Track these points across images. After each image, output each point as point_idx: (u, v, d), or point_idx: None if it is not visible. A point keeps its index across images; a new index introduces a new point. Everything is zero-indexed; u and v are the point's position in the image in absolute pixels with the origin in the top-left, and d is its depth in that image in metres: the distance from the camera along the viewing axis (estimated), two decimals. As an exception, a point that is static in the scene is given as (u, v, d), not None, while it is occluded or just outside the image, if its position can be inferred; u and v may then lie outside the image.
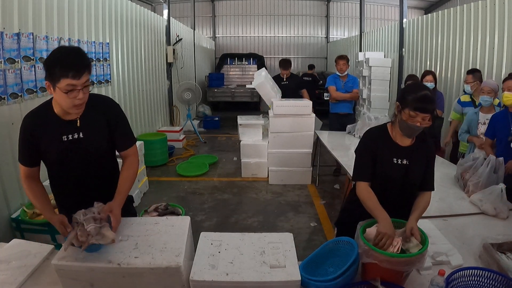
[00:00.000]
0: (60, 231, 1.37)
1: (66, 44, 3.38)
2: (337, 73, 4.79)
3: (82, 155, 1.53)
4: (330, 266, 1.45)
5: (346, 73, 4.77)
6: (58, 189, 1.66)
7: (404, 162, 1.61)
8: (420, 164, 1.63)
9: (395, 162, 1.61)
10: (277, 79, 5.29)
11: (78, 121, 1.49)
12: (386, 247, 1.33)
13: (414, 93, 1.51)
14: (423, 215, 2.06)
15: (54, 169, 1.59)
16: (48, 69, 1.36)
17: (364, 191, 1.59)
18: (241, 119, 4.86)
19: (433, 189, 1.67)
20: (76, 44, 3.56)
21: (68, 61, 1.34)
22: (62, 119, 1.48)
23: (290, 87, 5.12)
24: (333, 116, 4.90)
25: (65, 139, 1.49)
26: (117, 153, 1.67)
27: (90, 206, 1.41)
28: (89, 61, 1.42)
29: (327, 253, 1.49)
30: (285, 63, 5.20)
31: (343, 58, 4.71)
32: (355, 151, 1.73)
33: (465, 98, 3.50)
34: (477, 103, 3.37)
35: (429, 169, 1.66)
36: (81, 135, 1.51)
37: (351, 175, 1.95)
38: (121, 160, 1.66)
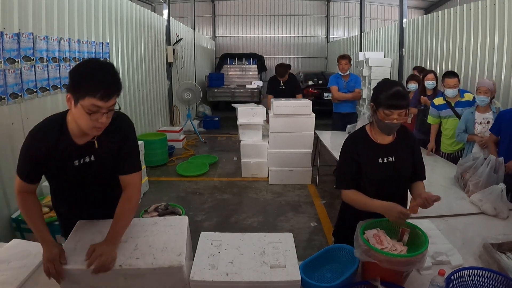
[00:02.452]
0: (45, 264, 1.23)
1: (66, 44, 3.38)
2: (339, 72, 4.80)
3: (92, 178, 1.43)
4: (328, 271, 1.45)
5: (348, 72, 4.78)
6: (59, 201, 1.60)
7: (390, 159, 1.60)
8: (407, 158, 1.63)
9: (381, 161, 1.60)
10: (274, 81, 5.30)
11: (96, 142, 1.37)
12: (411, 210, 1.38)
13: (386, 91, 1.49)
14: (423, 215, 2.08)
15: (58, 186, 1.51)
16: (74, 81, 1.20)
17: (350, 194, 1.60)
18: (239, 106, 4.85)
19: (424, 178, 1.68)
20: (76, 44, 3.56)
21: (100, 79, 1.18)
22: (76, 143, 1.35)
23: (286, 91, 5.14)
24: (336, 116, 4.92)
25: (77, 164, 1.38)
26: None
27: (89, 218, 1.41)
28: (121, 82, 1.27)
29: (327, 257, 1.49)
30: (280, 71, 5.19)
31: (345, 57, 4.73)
32: (338, 159, 1.74)
33: (439, 101, 3.42)
34: (453, 104, 3.35)
35: (417, 159, 1.66)
36: (92, 158, 1.39)
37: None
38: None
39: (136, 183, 1.44)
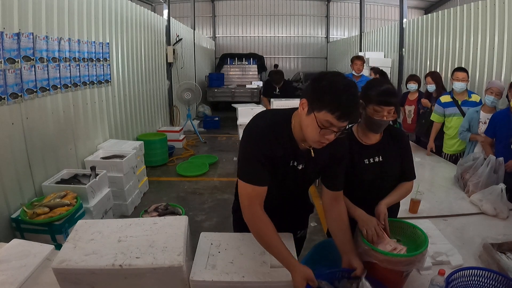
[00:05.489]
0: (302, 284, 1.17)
1: (66, 44, 3.38)
2: (353, 72, 4.91)
3: (296, 182, 1.43)
4: (326, 268, 1.45)
5: (361, 73, 4.88)
6: None
7: (377, 159, 1.60)
8: (395, 158, 1.62)
9: (367, 162, 1.60)
10: (270, 86, 5.39)
11: (312, 151, 1.33)
12: (377, 240, 1.36)
13: (377, 88, 1.51)
14: (423, 214, 2.09)
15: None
16: (315, 91, 1.17)
17: None
18: (239, 106, 4.91)
19: (414, 178, 1.67)
20: (76, 44, 3.56)
21: (345, 100, 1.13)
22: (297, 145, 1.32)
23: (281, 98, 5.23)
24: None
25: (291, 164, 1.36)
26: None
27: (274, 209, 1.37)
28: (359, 104, 1.26)
29: (322, 254, 1.49)
30: (276, 78, 5.30)
31: (360, 58, 4.87)
32: None
33: (446, 99, 3.42)
34: (460, 102, 3.35)
35: (406, 159, 1.64)
36: (305, 166, 1.38)
37: None
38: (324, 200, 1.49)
39: (342, 197, 1.47)
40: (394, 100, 1.49)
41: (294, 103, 4.47)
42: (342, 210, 1.44)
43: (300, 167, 1.36)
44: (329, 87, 1.14)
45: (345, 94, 1.13)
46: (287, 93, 5.29)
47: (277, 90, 5.32)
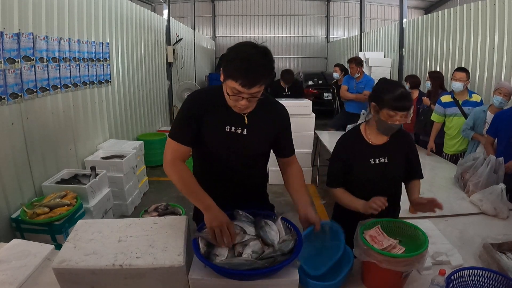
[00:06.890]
0: (212, 228, 1.26)
1: (66, 44, 3.38)
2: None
3: (240, 151, 1.43)
4: (320, 263, 1.42)
5: (358, 74, 4.92)
6: (202, 175, 1.54)
7: (382, 160, 1.61)
8: (400, 159, 1.63)
9: (372, 162, 1.60)
10: (277, 87, 5.33)
11: (246, 118, 1.39)
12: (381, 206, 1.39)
13: (391, 92, 1.48)
14: (423, 214, 2.08)
15: (204, 155, 1.51)
16: (225, 58, 1.23)
17: (337, 193, 1.65)
18: None
19: (422, 177, 1.68)
20: (76, 44, 3.56)
21: (244, 66, 1.18)
22: (231, 109, 1.36)
23: (291, 97, 5.19)
24: (343, 113, 5.16)
25: (228, 130, 1.39)
26: None
27: (228, 203, 1.40)
28: (269, 72, 1.24)
29: (314, 234, 1.47)
30: (288, 78, 5.29)
31: (352, 61, 4.93)
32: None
33: (447, 99, 3.42)
34: (460, 102, 3.34)
35: (413, 159, 1.66)
36: (244, 132, 1.40)
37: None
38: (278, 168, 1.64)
39: (297, 162, 1.60)
40: (409, 104, 1.49)
41: (302, 103, 4.49)
42: (294, 172, 1.57)
43: (239, 131, 1.40)
44: (234, 57, 1.21)
45: (243, 62, 1.17)
46: (296, 93, 5.27)
47: (287, 89, 5.32)
